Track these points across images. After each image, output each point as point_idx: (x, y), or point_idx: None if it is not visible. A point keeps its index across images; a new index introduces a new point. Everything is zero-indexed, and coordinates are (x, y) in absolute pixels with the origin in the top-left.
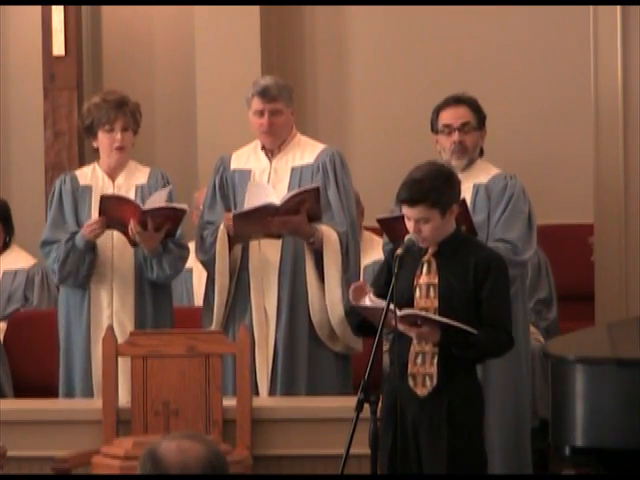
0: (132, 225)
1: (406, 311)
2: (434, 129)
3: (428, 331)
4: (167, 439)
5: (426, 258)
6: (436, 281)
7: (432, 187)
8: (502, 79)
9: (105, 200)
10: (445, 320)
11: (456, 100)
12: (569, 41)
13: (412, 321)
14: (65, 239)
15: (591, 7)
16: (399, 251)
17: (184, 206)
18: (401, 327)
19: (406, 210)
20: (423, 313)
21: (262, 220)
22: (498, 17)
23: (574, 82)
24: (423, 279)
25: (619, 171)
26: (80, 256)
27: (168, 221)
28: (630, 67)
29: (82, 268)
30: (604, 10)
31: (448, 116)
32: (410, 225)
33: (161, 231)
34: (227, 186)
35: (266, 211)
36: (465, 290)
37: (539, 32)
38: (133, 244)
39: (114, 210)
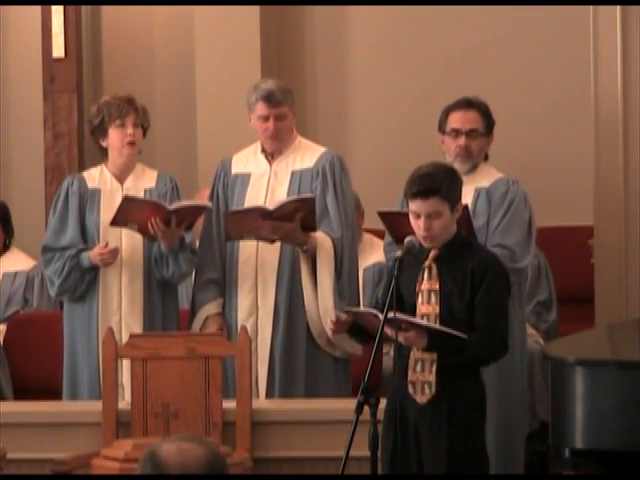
0: (155, 222)
1: (391, 315)
2: (441, 129)
3: (414, 336)
4: (167, 441)
5: (427, 263)
6: (437, 287)
7: (443, 180)
8: (502, 79)
9: (127, 201)
10: (425, 323)
11: (467, 104)
12: (569, 41)
13: (398, 325)
14: (70, 254)
15: (591, 7)
16: (399, 253)
17: (208, 203)
18: (388, 332)
19: (418, 205)
20: (408, 318)
21: (253, 222)
22: (498, 17)
23: (574, 82)
24: (424, 285)
25: (619, 173)
26: (82, 275)
27: (189, 217)
28: (630, 67)
29: (81, 286)
30: (604, 10)
31: (457, 119)
32: (418, 223)
33: (181, 227)
34: (227, 190)
35: (257, 213)
36: (465, 295)
37: (539, 32)
38: (151, 239)
39: (134, 210)
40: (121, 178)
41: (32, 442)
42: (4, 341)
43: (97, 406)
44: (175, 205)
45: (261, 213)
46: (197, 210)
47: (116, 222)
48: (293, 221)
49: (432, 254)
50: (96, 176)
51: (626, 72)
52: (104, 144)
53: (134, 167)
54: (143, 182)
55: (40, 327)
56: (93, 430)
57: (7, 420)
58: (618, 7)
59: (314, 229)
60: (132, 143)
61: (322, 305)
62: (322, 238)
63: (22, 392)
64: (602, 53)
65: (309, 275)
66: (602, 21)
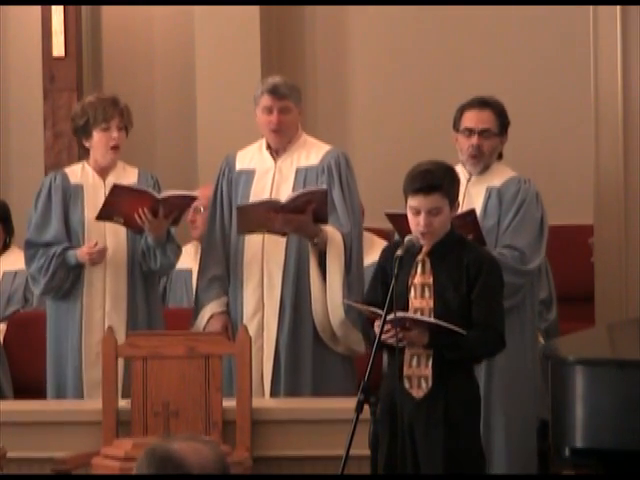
0: (143, 212)
1: (398, 314)
2: (455, 127)
3: (416, 334)
4: (176, 441)
5: (420, 258)
6: (431, 281)
7: (444, 176)
8: (501, 79)
9: (117, 190)
10: (434, 321)
11: (482, 103)
12: (569, 41)
13: (401, 324)
14: (56, 252)
15: (591, 7)
16: (399, 252)
17: (195, 193)
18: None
19: (419, 201)
20: (413, 315)
21: (265, 215)
22: (497, 17)
23: (574, 82)
24: (418, 279)
25: (619, 172)
26: (67, 272)
27: (176, 209)
28: (630, 67)
29: (66, 284)
30: (604, 10)
31: (471, 118)
32: (418, 219)
33: (169, 218)
34: (232, 186)
35: (269, 206)
36: (459, 290)
37: (539, 32)
38: (137, 232)
39: (123, 201)
40: (103, 175)
41: (32, 441)
42: (4, 340)
43: (97, 405)
44: (164, 193)
45: (273, 206)
46: (185, 201)
47: (102, 216)
48: (305, 213)
49: (425, 248)
50: (78, 172)
51: (626, 72)
52: (87, 145)
53: (115, 165)
54: (125, 179)
55: (40, 326)
56: (93, 429)
57: (7, 419)
58: (618, 7)
59: (325, 221)
60: (116, 147)
61: (330, 299)
62: (332, 232)
63: (22, 391)
64: (602, 53)
65: (317, 269)
66: (602, 21)
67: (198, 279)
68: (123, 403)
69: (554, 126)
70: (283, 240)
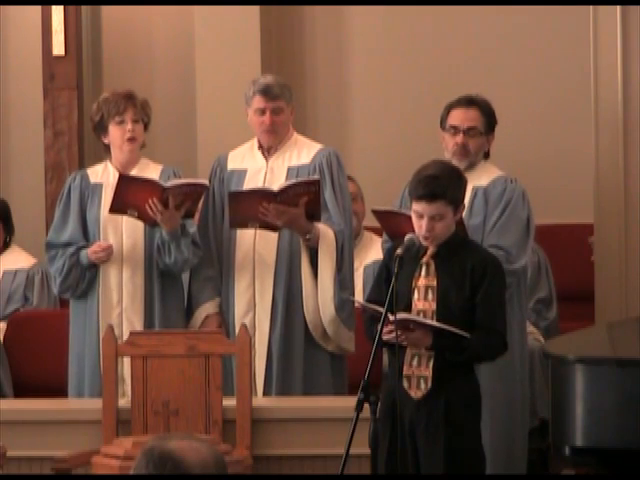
0: (153, 202)
1: (400, 315)
2: (442, 125)
3: (420, 336)
4: (173, 440)
5: (425, 260)
6: (435, 283)
7: (449, 183)
8: (501, 78)
9: (124, 180)
10: (438, 324)
11: (468, 101)
12: (569, 41)
13: (405, 325)
14: (71, 252)
15: (591, 7)
16: (399, 251)
17: (205, 181)
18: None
19: (422, 207)
20: (417, 318)
21: (257, 205)
22: (497, 17)
23: (574, 82)
24: (422, 281)
25: (619, 171)
26: (82, 272)
27: (188, 200)
28: (630, 67)
29: (82, 283)
30: (604, 10)
31: (457, 117)
32: (420, 223)
33: (181, 210)
34: (223, 186)
35: (262, 195)
36: (463, 293)
37: (539, 32)
38: (151, 224)
39: (131, 192)
40: (124, 172)
41: (32, 440)
42: (4, 339)
43: (97, 404)
44: (171, 182)
45: (265, 194)
46: (195, 190)
47: (115, 209)
48: (297, 206)
49: (430, 251)
50: (99, 171)
51: (626, 72)
52: (106, 141)
53: (137, 162)
54: (147, 175)
55: (40, 325)
56: (93, 428)
57: (7, 418)
58: (618, 7)
59: (318, 218)
60: (132, 139)
61: (321, 296)
62: (324, 229)
63: (22, 390)
64: (602, 53)
65: (309, 266)
66: (602, 21)
67: (191, 279)
68: (123, 402)
69: (555, 125)
70: (275, 240)
